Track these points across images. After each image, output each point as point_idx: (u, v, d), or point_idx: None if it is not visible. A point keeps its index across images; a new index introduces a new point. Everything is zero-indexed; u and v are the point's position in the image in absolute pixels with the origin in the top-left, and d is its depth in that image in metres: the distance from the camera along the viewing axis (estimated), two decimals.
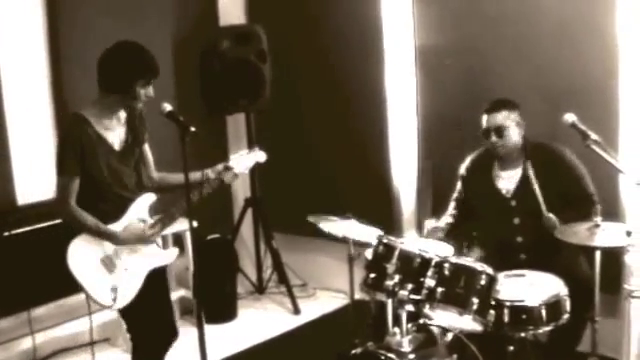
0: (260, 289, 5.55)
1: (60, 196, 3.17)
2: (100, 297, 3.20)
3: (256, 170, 5.35)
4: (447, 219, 3.99)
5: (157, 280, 3.38)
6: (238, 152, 3.53)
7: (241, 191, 5.66)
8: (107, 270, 3.22)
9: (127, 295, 3.25)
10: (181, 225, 4.74)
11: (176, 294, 4.99)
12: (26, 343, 4.25)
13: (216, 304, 4.98)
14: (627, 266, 3.77)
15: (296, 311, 5.18)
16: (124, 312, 3.33)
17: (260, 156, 3.54)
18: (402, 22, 4.76)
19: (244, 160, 3.49)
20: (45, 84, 4.44)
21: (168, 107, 3.11)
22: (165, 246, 3.49)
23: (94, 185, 3.21)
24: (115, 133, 3.28)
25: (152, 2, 4.95)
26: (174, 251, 3.50)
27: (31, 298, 4.15)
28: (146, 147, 3.45)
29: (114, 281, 3.22)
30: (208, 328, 3.22)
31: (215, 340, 4.32)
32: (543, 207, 3.54)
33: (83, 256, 3.19)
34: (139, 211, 3.33)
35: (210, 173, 3.42)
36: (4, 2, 4.24)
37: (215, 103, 5.03)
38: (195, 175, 3.27)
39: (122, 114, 3.30)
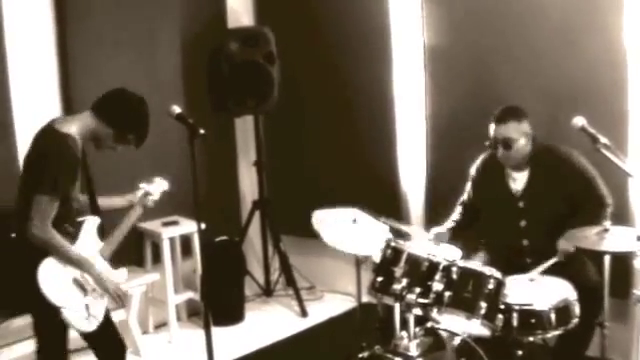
0: (268, 291, 5.55)
1: (42, 216, 3.01)
2: (77, 320, 3.16)
3: (264, 172, 5.39)
4: (450, 224, 3.97)
5: None
6: (147, 182, 3.53)
7: (249, 193, 5.66)
8: (80, 291, 3.18)
9: (99, 314, 3.24)
10: (189, 227, 4.79)
11: (183, 296, 5.00)
12: (30, 345, 4.24)
13: (224, 306, 4.97)
14: (637, 271, 3.75)
15: (303, 314, 5.17)
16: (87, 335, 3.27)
17: (164, 185, 3.56)
18: (411, 23, 4.75)
19: (155, 188, 3.50)
20: (54, 88, 4.44)
21: (177, 109, 3.12)
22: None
23: (67, 207, 3.14)
24: None
25: (160, 4, 4.95)
26: (124, 271, 3.41)
27: None
28: None
29: (86, 301, 3.19)
30: (215, 330, 3.23)
31: (222, 342, 4.34)
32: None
33: (57, 278, 3.11)
34: (90, 234, 3.30)
35: (132, 198, 3.49)
36: (14, 5, 4.25)
37: (223, 105, 5.02)
38: (116, 200, 3.48)
39: None
